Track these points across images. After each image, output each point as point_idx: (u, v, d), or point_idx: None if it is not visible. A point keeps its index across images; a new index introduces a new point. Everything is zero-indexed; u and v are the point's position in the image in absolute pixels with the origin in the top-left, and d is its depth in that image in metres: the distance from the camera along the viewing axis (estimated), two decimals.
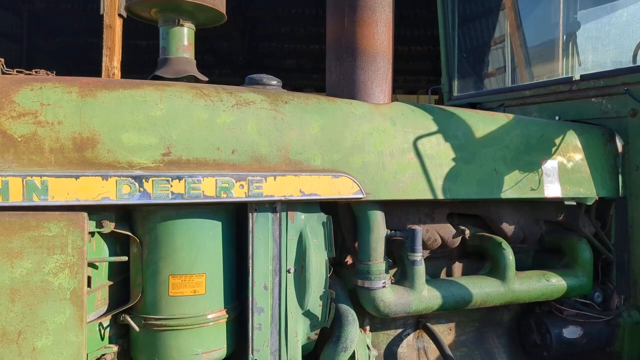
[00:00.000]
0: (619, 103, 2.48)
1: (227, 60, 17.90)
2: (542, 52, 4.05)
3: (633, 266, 2.46)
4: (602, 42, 3.84)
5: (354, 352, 2.01)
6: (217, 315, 1.82)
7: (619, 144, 2.49)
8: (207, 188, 1.71)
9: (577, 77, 2.70)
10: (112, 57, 8.14)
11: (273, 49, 20.23)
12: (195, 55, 2.23)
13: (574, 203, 2.50)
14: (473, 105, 3.39)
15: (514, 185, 2.22)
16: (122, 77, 8.59)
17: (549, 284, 2.37)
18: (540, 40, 4.06)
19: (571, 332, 2.47)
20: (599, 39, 3.87)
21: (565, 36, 3.88)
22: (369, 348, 2.10)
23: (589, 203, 2.46)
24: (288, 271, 1.90)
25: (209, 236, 1.81)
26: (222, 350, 1.85)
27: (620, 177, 2.47)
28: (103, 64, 8.05)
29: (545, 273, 2.40)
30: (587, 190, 2.38)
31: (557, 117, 2.76)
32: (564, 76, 2.83)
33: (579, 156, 2.39)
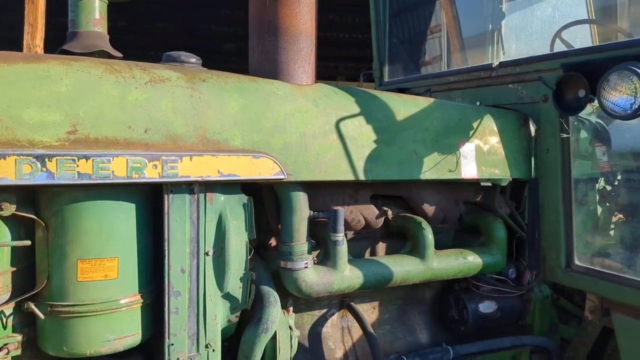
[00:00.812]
0: (533, 89, 2.60)
1: (163, 42, 17.27)
2: (472, 41, 4.20)
3: (543, 244, 2.60)
4: (525, 32, 4.03)
5: (275, 333, 2.01)
6: (130, 300, 1.76)
7: (532, 128, 2.61)
8: (117, 168, 1.64)
9: (496, 64, 2.81)
10: (35, 35, 7.65)
11: (212, 31, 19.71)
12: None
13: (490, 184, 2.61)
14: (402, 90, 3.45)
15: (432, 167, 2.28)
16: None
17: (465, 261, 2.46)
18: (470, 29, 4.21)
19: (486, 306, 2.59)
20: (522, 29, 4.06)
21: (491, 26, 4.03)
22: (291, 329, 2.11)
23: (504, 184, 2.58)
24: (206, 254, 1.86)
25: (120, 219, 1.74)
26: (137, 336, 1.79)
27: (532, 159, 2.59)
28: (24, 42, 7.56)
29: (462, 251, 2.50)
30: (502, 171, 2.48)
31: (478, 102, 2.86)
32: (486, 63, 2.93)
33: (494, 139, 2.49)
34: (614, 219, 2.78)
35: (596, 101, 2.15)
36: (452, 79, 3.10)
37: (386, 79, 3.72)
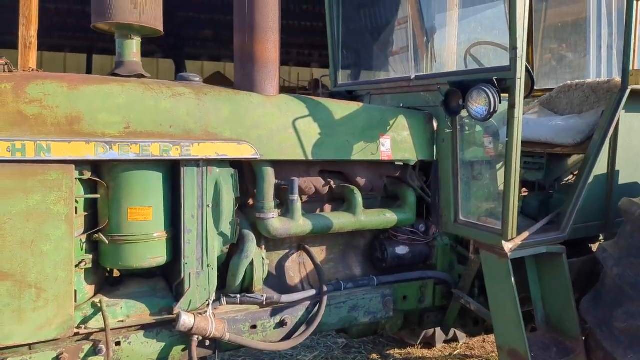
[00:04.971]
0: (435, 97, 3.63)
1: None
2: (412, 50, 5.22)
3: (441, 206, 3.68)
4: (452, 43, 5.06)
5: (252, 260, 3.04)
6: (160, 234, 2.77)
7: (435, 125, 3.66)
8: (154, 150, 2.63)
9: (413, 76, 3.85)
10: (29, 27, 8.35)
11: (190, 18, 20.24)
12: None
13: (402, 163, 3.67)
14: (350, 92, 4.50)
15: (360, 151, 3.32)
16: (39, 45, 8.86)
17: (385, 217, 3.52)
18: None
19: (402, 250, 3.65)
20: (450, 42, 5.09)
21: (425, 38, 5.07)
22: (263, 259, 3.14)
23: (412, 164, 3.64)
24: (207, 206, 2.87)
25: (154, 182, 2.73)
26: (163, 257, 2.81)
27: (434, 146, 3.66)
28: (20, 33, 8.25)
29: (383, 210, 3.56)
30: (410, 154, 3.53)
31: (401, 104, 3.90)
32: (407, 75, 3.96)
33: (406, 133, 3.53)
34: (485, 189, 3.87)
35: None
36: (385, 85, 4.15)
37: (339, 82, 4.76)
